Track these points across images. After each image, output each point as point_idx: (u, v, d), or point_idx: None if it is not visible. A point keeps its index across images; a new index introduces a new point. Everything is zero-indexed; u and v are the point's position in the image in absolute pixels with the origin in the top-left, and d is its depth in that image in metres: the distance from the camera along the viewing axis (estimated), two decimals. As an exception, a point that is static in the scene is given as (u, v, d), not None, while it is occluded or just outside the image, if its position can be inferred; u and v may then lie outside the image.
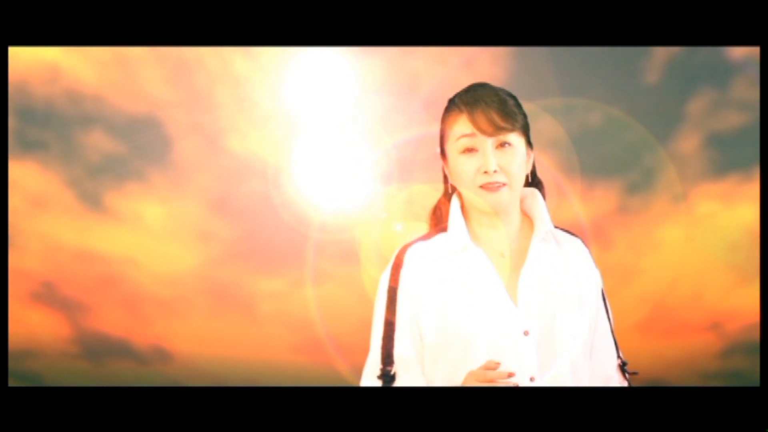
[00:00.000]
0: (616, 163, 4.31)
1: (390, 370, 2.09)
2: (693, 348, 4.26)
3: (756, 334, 3.61)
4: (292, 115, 4.20)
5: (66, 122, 4.26)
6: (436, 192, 2.20)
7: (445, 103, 2.14)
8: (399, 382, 2.10)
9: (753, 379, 3.70)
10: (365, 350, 2.13)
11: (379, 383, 2.10)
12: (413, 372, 2.10)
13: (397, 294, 2.11)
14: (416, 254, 2.13)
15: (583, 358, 2.09)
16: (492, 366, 1.97)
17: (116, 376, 4.24)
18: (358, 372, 2.15)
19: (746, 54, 4.20)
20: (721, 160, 4.32)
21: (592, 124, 4.27)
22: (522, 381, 2.01)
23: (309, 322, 4.12)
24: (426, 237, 2.16)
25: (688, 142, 4.32)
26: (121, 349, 4.28)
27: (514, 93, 2.13)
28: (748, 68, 4.18)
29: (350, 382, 3.66)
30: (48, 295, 4.27)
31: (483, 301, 2.07)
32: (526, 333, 2.04)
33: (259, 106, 4.22)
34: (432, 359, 2.09)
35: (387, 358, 2.10)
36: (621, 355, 2.18)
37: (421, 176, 3.90)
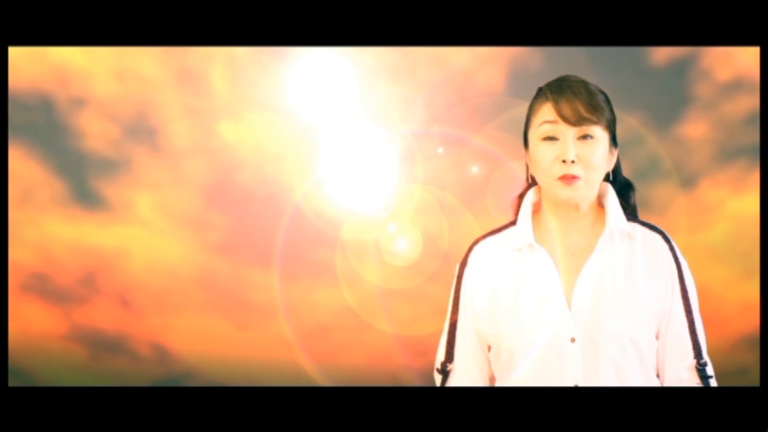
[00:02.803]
0: (621, 150, 4.26)
1: (447, 366, 2.11)
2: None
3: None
4: (289, 103, 4.17)
5: (54, 106, 4.22)
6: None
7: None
8: (453, 380, 2.11)
9: (758, 376, 3.67)
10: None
11: (439, 377, 2.13)
12: (468, 371, 2.11)
13: (461, 292, 2.11)
14: (481, 252, 2.12)
15: (631, 363, 2.03)
16: None
17: (110, 369, 4.25)
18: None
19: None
20: (729, 145, 4.28)
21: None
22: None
23: (307, 318, 4.12)
24: (497, 230, 2.14)
25: (695, 128, 4.28)
26: (115, 341, 4.28)
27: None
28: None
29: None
30: (39, 287, 4.26)
31: (537, 304, 2.03)
32: (572, 340, 2.00)
33: (255, 91, 4.19)
34: (505, 364, 2.07)
35: (448, 354, 2.11)
36: (705, 355, 2.09)
37: (422, 175, 3.88)
